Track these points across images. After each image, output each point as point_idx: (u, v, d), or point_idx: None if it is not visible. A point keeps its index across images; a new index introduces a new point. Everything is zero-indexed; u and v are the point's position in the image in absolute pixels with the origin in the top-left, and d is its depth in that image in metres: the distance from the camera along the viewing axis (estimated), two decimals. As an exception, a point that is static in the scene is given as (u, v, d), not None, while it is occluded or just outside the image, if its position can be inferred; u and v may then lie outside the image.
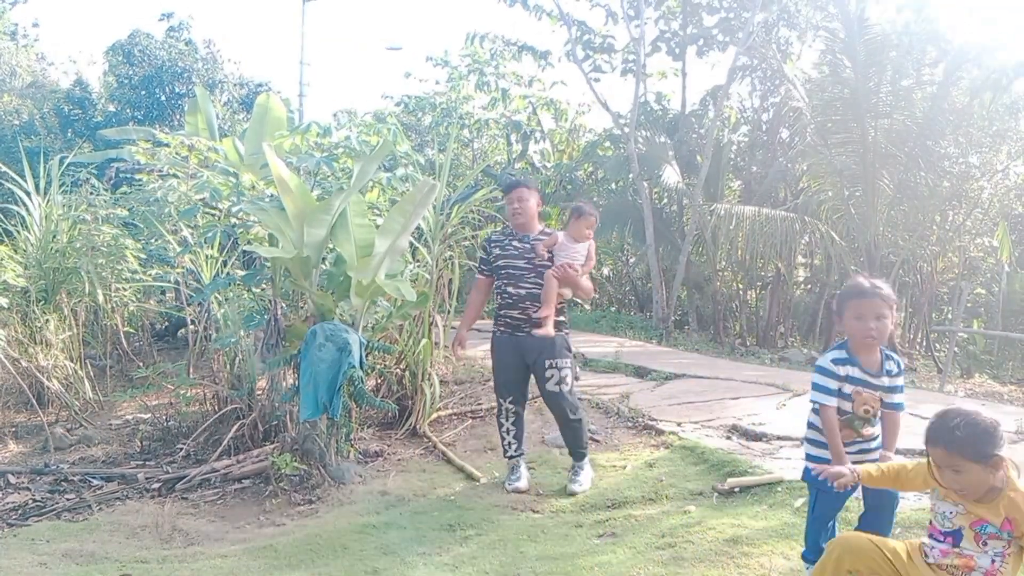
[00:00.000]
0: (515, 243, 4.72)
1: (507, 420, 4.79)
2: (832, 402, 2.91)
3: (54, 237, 7.92)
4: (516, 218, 4.73)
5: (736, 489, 4.21)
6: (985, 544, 2.35)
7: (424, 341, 6.13)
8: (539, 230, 4.79)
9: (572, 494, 4.56)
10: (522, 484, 4.72)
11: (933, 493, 2.52)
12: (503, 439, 4.85)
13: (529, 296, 4.58)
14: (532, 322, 4.54)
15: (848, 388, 2.91)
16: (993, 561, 2.35)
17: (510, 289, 4.64)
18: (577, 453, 4.73)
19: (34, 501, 5.08)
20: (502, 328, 4.73)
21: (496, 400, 4.88)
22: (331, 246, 5.37)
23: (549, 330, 4.45)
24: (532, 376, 4.72)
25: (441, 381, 6.84)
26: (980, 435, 2.30)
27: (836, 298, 3.07)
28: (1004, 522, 2.34)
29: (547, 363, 4.55)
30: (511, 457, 4.84)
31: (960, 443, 2.30)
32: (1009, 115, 11.48)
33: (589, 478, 4.70)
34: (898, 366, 2.98)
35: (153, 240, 7.63)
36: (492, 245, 4.81)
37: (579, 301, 4.82)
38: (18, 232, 8.16)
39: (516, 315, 4.64)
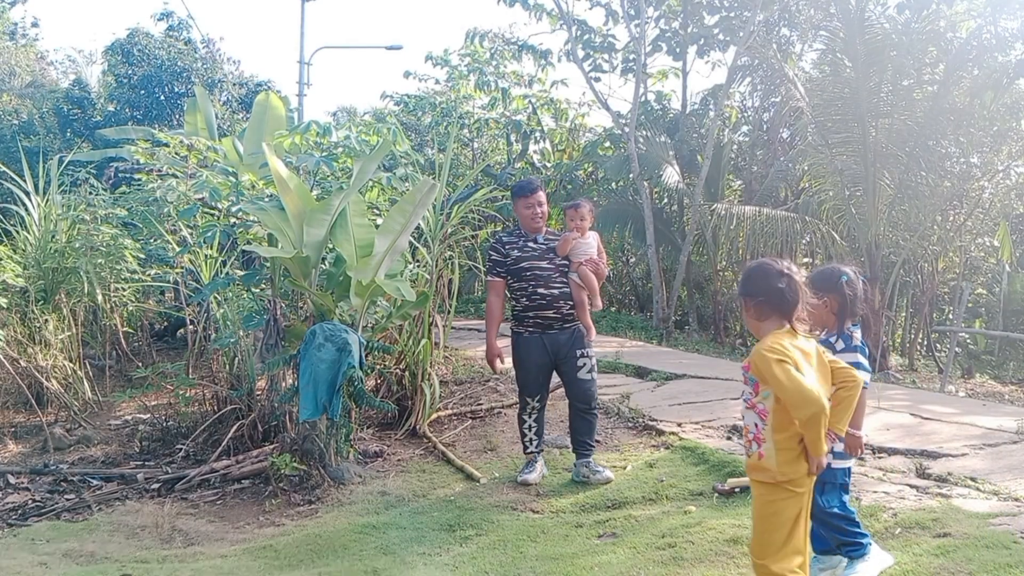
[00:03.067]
0: (531, 244, 4.76)
1: (530, 417, 4.85)
2: None
3: (53, 237, 7.91)
4: (536, 222, 4.76)
5: (736, 489, 4.20)
6: (744, 385, 2.65)
7: (424, 341, 6.11)
8: (546, 231, 4.87)
9: (608, 481, 4.60)
10: (532, 477, 4.78)
11: None
12: (524, 435, 4.90)
13: (562, 296, 4.67)
14: (565, 320, 4.69)
15: None
16: (756, 424, 2.59)
17: (541, 291, 4.67)
18: (587, 447, 4.75)
19: (34, 501, 5.08)
20: (530, 328, 4.75)
21: (521, 400, 4.89)
22: (331, 246, 5.36)
23: (593, 330, 4.77)
24: (555, 371, 4.81)
25: (441, 381, 6.83)
26: (746, 274, 2.67)
27: None
28: (747, 364, 2.62)
29: (579, 353, 4.68)
30: (530, 453, 4.90)
31: (741, 282, 2.72)
32: (1010, 115, 11.46)
33: (603, 468, 4.75)
34: (844, 342, 3.05)
35: (152, 240, 7.63)
36: (507, 247, 4.78)
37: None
38: (17, 232, 8.15)
39: (551, 315, 4.68)
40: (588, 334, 4.72)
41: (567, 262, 4.70)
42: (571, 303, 4.68)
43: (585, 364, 4.70)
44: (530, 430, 4.85)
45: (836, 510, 3.00)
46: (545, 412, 4.94)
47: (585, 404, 4.74)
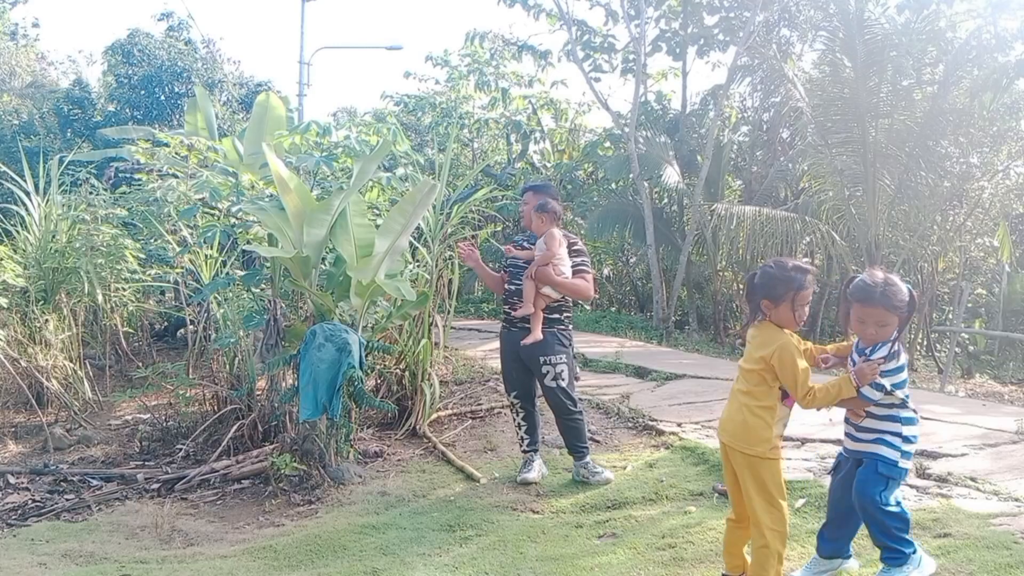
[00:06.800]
0: (525, 244, 4.87)
1: (517, 416, 4.87)
2: None
3: (53, 237, 7.91)
4: (522, 220, 4.94)
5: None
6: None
7: (424, 341, 6.11)
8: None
9: (608, 481, 4.59)
10: (531, 476, 4.78)
11: None
12: (517, 433, 4.94)
13: (517, 292, 4.70)
14: (524, 319, 4.67)
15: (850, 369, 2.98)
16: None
17: (507, 286, 4.81)
18: (578, 450, 4.73)
19: (34, 501, 5.07)
20: (503, 324, 4.89)
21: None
22: (331, 246, 5.36)
23: (536, 335, 4.57)
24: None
25: (441, 381, 6.83)
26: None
27: (847, 289, 2.97)
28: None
29: (541, 359, 4.63)
30: (524, 451, 4.91)
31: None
32: (1009, 115, 11.47)
33: (602, 469, 4.73)
34: (884, 353, 2.86)
35: (152, 240, 7.63)
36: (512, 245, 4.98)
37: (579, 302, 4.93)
38: (17, 232, 8.15)
39: (507, 310, 4.80)
40: (538, 343, 4.55)
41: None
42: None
43: (549, 372, 4.61)
44: (520, 428, 4.87)
45: (892, 508, 2.85)
46: (536, 412, 4.90)
47: (557, 411, 4.70)
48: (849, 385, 2.85)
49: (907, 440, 2.91)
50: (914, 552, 2.89)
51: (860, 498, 2.90)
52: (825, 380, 2.91)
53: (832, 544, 3.10)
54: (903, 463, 2.90)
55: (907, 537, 2.88)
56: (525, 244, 4.82)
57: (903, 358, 2.91)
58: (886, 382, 2.86)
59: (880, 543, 2.90)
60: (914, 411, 2.96)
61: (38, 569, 3.84)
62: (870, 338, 2.89)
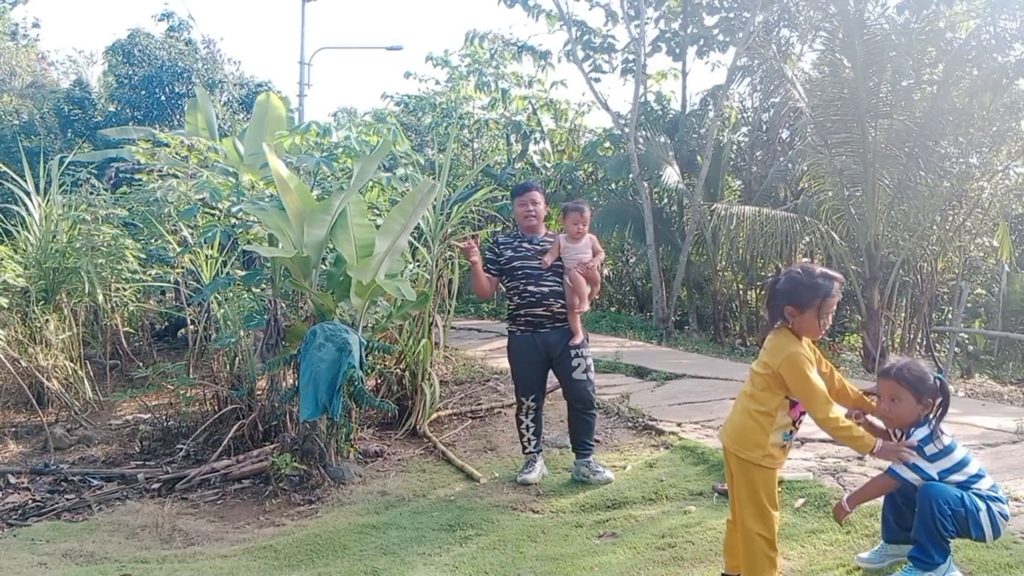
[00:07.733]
0: (525, 244, 4.82)
1: (527, 417, 4.85)
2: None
3: (54, 237, 7.91)
4: (528, 220, 4.84)
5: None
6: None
7: (424, 341, 6.12)
8: (545, 232, 4.90)
9: (608, 481, 4.60)
10: (532, 477, 4.79)
11: None
12: (522, 436, 4.91)
13: (552, 294, 4.69)
14: (556, 318, 4.69)
15: None
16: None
17: (531, 288, 4.72)
18: (587, 447, 4.75)
19: (34, 501, 5.08)
20: (522, 328, 4.79)
21: (517, 399, 4.92)
22: (331, 246, 5.37)
23: (580, 335, 4.70)
24: (551, 371, 4.81)
25: (441, 381, 6.83)
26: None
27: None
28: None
29: (573, 353, 4.67)
30: (529, 453, 4.90)
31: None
32: (1009, 115, 11.45)
33: (603, 468, 4.75)
34: (922, 435, 2.85)
35: (153, 240, 7.64)
36: (502, 247, 4.87)
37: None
38: (18, 232, 8.15)
39: (540, 312, 4.71)
40: (573, 338, 4.66)
41: (560, 261, 4.72)
42: (562, 301, 4.68)
43: (580, 364, 4.68)
44: (528, 430, 4.86)
45: (947, 510, 2.80)
46: (543, 412, 4.94)
47: (582, 405, 4.74)
48: (866, 445, 2.80)
49: (994, 505, 2.82)
50: (943, 562, 2.82)
51: (925, 487, 2.84)
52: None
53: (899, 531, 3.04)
54: (983, 504, 2.82)
55: (945, 544, 2.82)
56: (524, 245, 4.82)
57: (946, 441, 2.85)
58: (932, 470, 2.83)
59: (918, 537, 2.84)
60: (993, 491, 2.86)
61: (38, 569, 3.85)
62: (884, 413, 2.96)
